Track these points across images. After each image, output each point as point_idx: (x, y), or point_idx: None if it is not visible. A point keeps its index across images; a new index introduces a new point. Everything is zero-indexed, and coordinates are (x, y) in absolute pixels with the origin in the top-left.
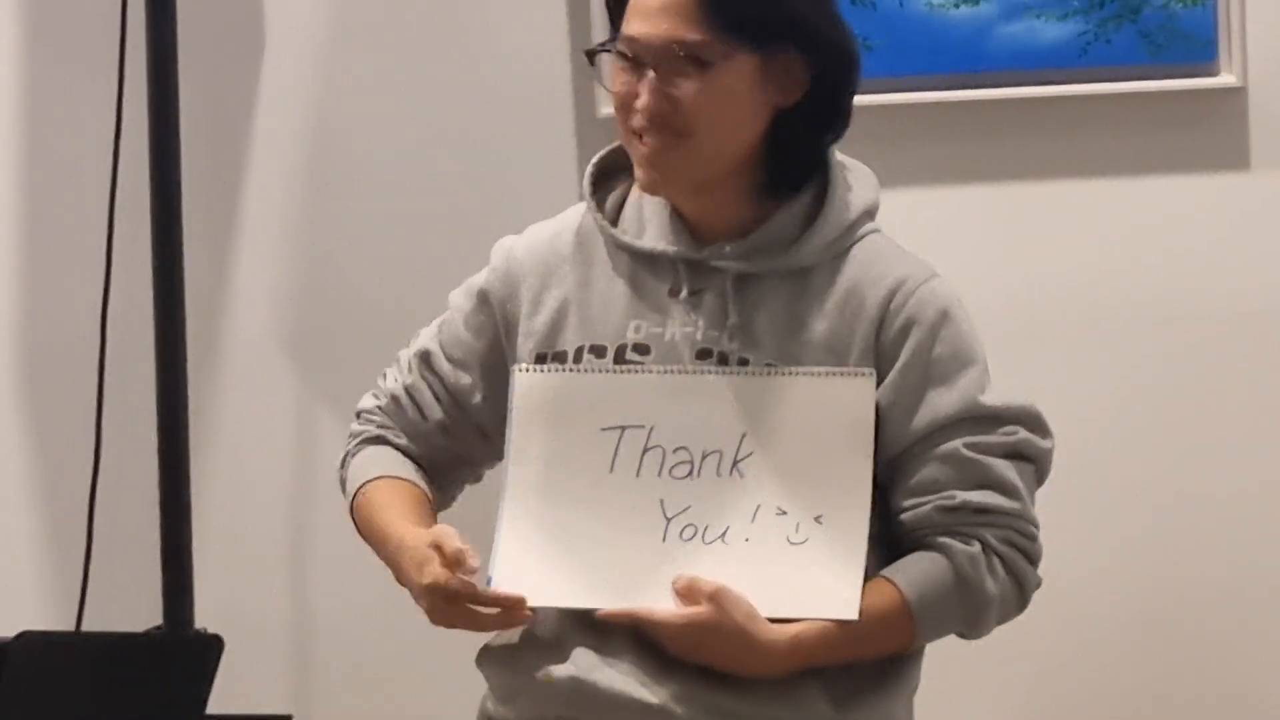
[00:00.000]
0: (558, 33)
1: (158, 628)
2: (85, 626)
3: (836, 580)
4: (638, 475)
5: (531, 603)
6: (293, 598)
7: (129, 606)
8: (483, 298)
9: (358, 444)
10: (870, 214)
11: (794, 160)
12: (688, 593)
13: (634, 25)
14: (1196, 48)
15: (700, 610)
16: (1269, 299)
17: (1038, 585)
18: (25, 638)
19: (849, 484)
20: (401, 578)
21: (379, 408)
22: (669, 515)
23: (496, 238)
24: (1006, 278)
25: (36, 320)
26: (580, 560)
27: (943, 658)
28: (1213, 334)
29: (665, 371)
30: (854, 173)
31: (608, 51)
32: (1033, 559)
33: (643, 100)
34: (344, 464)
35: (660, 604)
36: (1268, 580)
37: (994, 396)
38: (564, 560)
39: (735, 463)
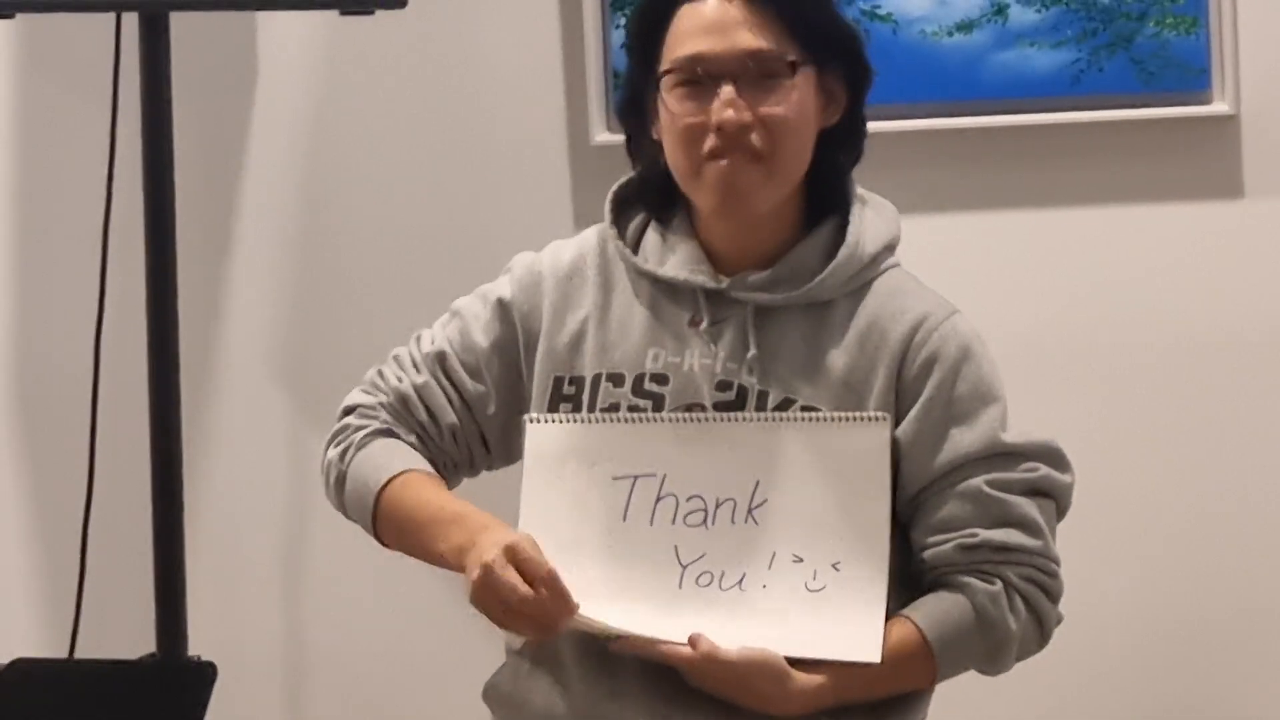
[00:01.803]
0: (551, 60)
1: (151, 655)
2: (79, 654)
3: (858, 624)
4: (651, 524)
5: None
6: (286, 626)
7: (122, 634)
8: (503, 308)
9: (366, 436)
10: (891, 248)
11: (831, 185)
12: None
13: (697, 44)
14: (1189, 76)
15: (746, 650)
16: (1262, 325)
17: (1059, 622)
18: (18, 665)
19: (866, 530)
20: (448, 548)
21: (382, 405)
22: (684, 563)
23: (491, 264)
24: (1000, 305)
25: (30, 345)
26: (596, 608)
27: (954, 685)
28: (1206, 361)
29: (677, 420)
30: (874, 206)
31: (670, 73)
32: (1053, 596)
33: (729, 114)
34: (346, 456)
35: (678, 632)
36: (1274, 602)
37: (1015, 433)
38: (581, 607)
39: (750, 510)
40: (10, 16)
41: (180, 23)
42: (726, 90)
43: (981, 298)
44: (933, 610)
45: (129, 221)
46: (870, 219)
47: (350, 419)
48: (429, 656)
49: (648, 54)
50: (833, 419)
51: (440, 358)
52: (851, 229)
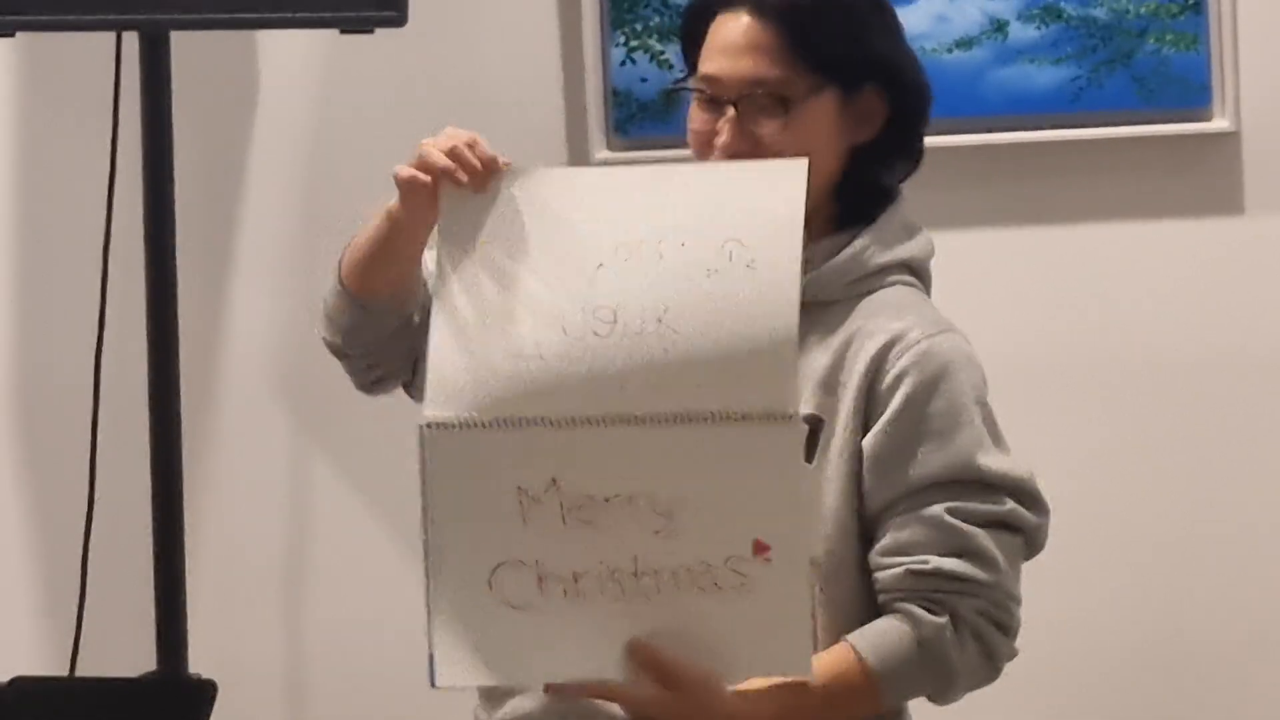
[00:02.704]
0: (551, 79)
1: (151, 673)
2: (79, 672)
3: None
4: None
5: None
6: (287, 643)
7: (123, 652)
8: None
9: None
10: (908, 267)
11: (867, 194)
12: (647, 664)
13: (715, 63)
14: (1190, 92)
15: (670, 694)
16: (1263, 342)
17: (1011, 657)
18: (19, 683)
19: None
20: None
21: None
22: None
23: None
24: (1000, 322)
25: (31, 362)
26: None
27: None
28: (1206, 377)
29: (582, 423)
30: (906, 226)
31: (686, 90)
32: (1006, 630)
33: (723, 139)
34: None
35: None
36: (1270, 623)
37: (990, 462)
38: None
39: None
40: (11, 35)
41: (181, 41)
42: (729, 115)
43: (981, 314)
44: (872, 637)
45: (130, 238)
46: (894, 234)
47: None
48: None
49: (690, 58)
50: (741, 419)
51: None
52: (863, 235)
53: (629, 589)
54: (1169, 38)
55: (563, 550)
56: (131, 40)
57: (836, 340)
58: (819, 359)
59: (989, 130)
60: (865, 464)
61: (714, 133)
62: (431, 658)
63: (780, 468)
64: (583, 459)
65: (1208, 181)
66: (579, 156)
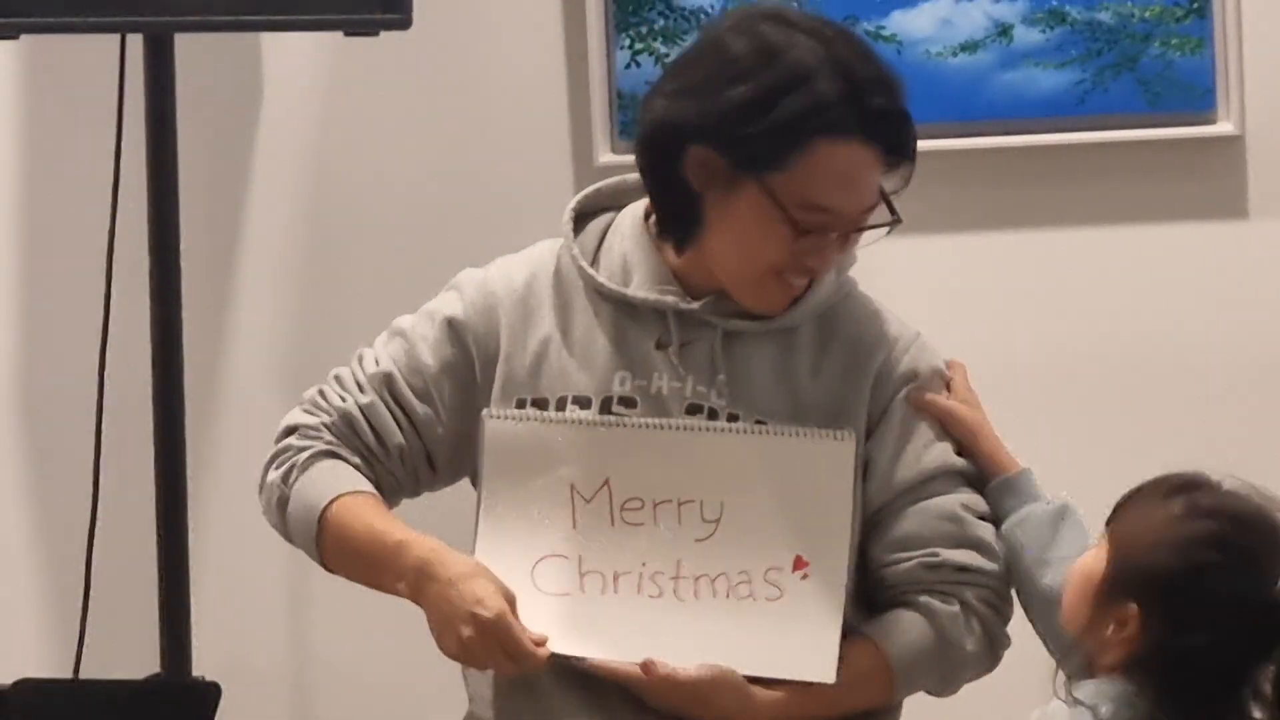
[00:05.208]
0: (556, 82)
1: (156, 675)
2: (83, 674)
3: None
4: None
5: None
6: (292, 645)
7: (127, 653)
8: (454, 329)
9: (310, 457)
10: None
11: None
12: (663, 687)
13: (830, 196)
14: (1194, 96)
15: (704, 667)
16: (1267, 345)
17: (1008, 646)
18: (23, 685)
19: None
20: (402, 585)
21: (325, 425)
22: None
23: (390, 326)
24: (1004, 325)
25: (35, 365)
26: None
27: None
28: (1210, 380)
29: (641, 426)
30: None
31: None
32: (1006, 620)
33: (818, 264)
34: (289, 479)
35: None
36: None
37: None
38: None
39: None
40: (15, 37)
41: (185, 43)
42: (832, 242)
43: (986, 317)
44: (893, 630)
45: (134, 241)
46: None
47: (291, 439)
48: (435, 677)
49: (760, 142)
50: (797, 434)
51: (387, 379)
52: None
53: (666, 590)
54: (1174, 42)
55: (607, 549)
56: (136, 42)
57: (823, 359)
58: (808, 381)
59: (994, 134)
60: (867, 469)
61: (802, 260)
62: None
63: (830, 482)
64: (637, 461)
65: (1212, 185)
66: (583, 159)
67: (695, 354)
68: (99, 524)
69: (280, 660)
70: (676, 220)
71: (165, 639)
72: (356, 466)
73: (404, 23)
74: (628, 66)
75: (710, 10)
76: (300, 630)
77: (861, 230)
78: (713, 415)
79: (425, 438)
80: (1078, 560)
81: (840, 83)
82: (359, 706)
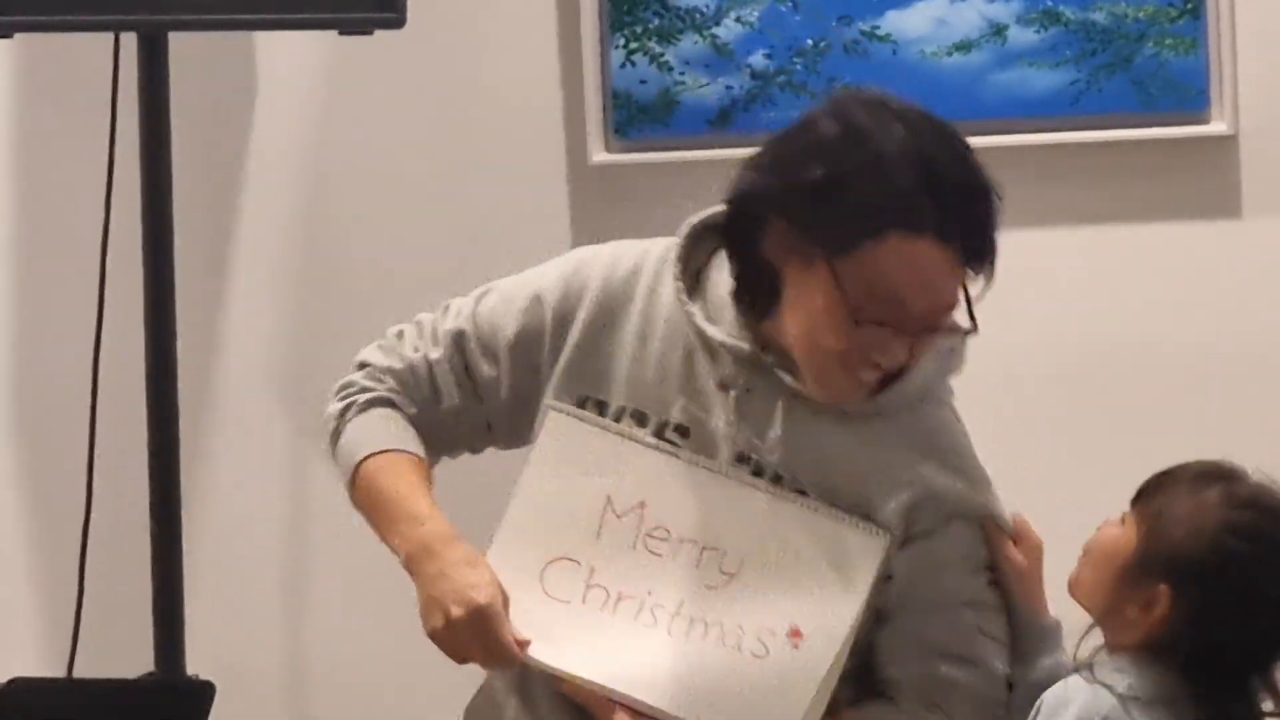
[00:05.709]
0: (550, 80)
1: (149, 674)
2: (77, 673)
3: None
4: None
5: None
6: (285, 644)
7: (120, 653)
8: (539, 303)
9: (369, 400)
10: (944, 376)
11: None
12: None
13: (905, 293)
14: (1188, 96)
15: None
16: (1261, 345)
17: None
18: (16, 684)
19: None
20: (403, 549)
21: (391, 370)
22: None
23: (488, 283)
24: (999, 325)
25: (29, 364)
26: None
27: None
28: (1204, 380)
29: (694, 463)
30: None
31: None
32: (999, 706)
33: (902, 359)
34: (345, 415)
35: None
36: None
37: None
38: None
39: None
40: (9, 36)
41: (179, 42)
42: (897, 339)
43: (980, 317)
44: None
45: (127, 240)
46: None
47: (359, 376)
48: (430, 676)
49: (832, 223)
50: (835, 516)
51: (460, 338)
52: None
53: (660, 622)
54: (1168, 42)
55: (620, 569)
56: (130, 41)
57: (879, 458)
58: (857, 468)
59: (988, 134)
60: (894, 576)
61: (869, 356)
62: None
63: (852, 571)
64: (678, 494)
65: (1205, 185)
66: (577, 158)
67: (755, 403)
68: (93, 523)
69: (274, 659)
70: (755, 291)
71: (159, 638)
72: (412, 418)
73: (398, 21)
74: (622, 66)
75: (705, 10)
76: (294, 629)
77: (932, 332)
78: (758, 470)
79: (486, 400)
80: (1098, 535)
81: (920, 175)
82: (353, 705)
